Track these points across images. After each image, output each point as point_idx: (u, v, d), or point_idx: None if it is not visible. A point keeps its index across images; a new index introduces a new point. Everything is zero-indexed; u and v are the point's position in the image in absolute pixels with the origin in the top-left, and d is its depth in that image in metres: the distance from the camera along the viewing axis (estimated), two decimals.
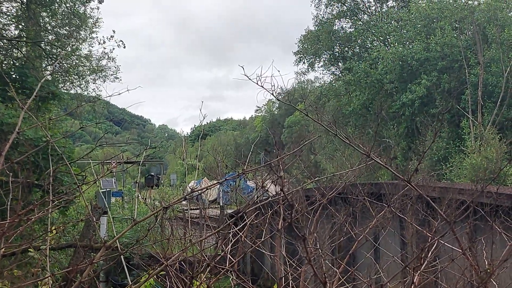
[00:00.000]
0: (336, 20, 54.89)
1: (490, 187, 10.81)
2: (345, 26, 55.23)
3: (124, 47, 34.44)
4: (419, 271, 4.36)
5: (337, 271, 6.44)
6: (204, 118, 6.40)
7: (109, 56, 35.62)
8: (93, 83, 36.20)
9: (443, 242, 4.88)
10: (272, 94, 4.20)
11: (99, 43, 34.42)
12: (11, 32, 29.50)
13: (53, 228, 8.90)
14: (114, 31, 34.95)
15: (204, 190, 4.67)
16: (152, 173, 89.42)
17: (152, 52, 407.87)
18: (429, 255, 4.74)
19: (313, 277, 9.30)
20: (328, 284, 4.46)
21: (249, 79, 4.06)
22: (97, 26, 35.14)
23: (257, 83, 4.04)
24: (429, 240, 4.80)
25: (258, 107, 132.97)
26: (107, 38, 33.85)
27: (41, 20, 29.89)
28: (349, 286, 6.79)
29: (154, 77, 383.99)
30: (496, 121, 37.43)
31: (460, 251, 4.02)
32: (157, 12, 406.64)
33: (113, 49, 34.88)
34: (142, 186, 57.49)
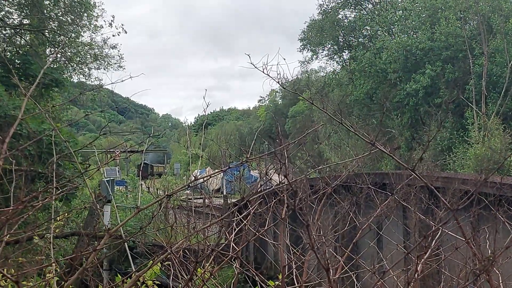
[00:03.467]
0: (340, 10, 54.67)
1: (494, 177, 10.80)
2: (349, 16, 55.04)
3: (126, 32, 34.37)
4: (422, 260, 4.36)
5: (341, 258, 6.44)
6: (207, 107, 6.37)
7: (108, 42, 35.54)
8: (97, 69, 36.16)
9: (446, 231, 4.88)
10: (278, 82, 4.19)
11: (98, 30, 34.37)
12: (15, 20, 29.50)
13: (59, 216, 8.91)
14: (113, 16, 34.65)
15: (207, 178, 4.67)
16: (147, 162, 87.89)
17: (156, 42, 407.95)
18: (432, 244, 4.74)
19: (317, 265, 9.31)
20: (331, 271, 4.46)
21: (255, 67, 4.05)
22: (100, 15, 35.06)
23: (263, 72, 4.04)
24: (432, 229, 4.79)
25: (261, 97, 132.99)
26: (108, 24, 33.78)
27: (44, 8, 29.86)
28: (352, 274, 6.80)
29: (159, 67, 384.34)
30: (500, 112, 37.35)
31: (464, 239, 4.02)
32: (160, 1, 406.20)
33: (113, 35, 34.80)
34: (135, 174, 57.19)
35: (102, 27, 34.36)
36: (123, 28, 34.21)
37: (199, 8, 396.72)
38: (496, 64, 38.79)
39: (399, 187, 10.02)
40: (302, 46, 56.31)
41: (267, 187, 7.54)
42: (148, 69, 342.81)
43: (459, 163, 34.89)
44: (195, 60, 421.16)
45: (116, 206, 23.27)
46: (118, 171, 42.72)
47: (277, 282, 7.30)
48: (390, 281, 6.11)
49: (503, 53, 38.38)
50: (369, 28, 51.68)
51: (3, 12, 28.92)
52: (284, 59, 4.13)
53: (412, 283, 4.16)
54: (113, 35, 34.81)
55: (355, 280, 6.92)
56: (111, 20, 33.77)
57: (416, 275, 4.25)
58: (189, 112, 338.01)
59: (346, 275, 6.82)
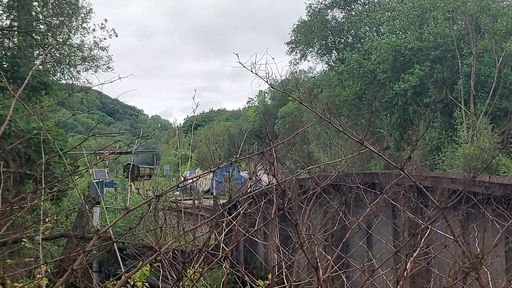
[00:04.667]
0: (329, 10, 54.79)
1: (483, 176, 10.85)
2: (338, 16, 55.15)
3: (116, 36, 34.33)
4: (412, 258, 4.37)
5: (330, 258, 6.45)
6: (197, 107, 6.36)
7: (99, 45, 35.36)
8: (85, 71, 35.96)
9: (435, 230, 4.90)
10: (267, 81, 4.18)
11: (89, 33, 34.25)
12: (3, 22, 29.37)
13: (47, 218, 8.87)
14: (106, 20, 34.57)
15: (196, 178, 4.66)
16: (133, 163, 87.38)
17: (147, 43, 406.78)
18: (421, 242, 4.76)
19: (307, 265, 9.32)
20: (320, 270, 4.46)
21: (244, 66, 4.04)
22: (89, 17, 34.91)
23: (251, 71, 4.03)
24: (421, 227, 4.81)
25: (249, 98, 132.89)
26: (99, 27, 33.69)
27: (32, 10, 29.72)
28: (342, 273, 6.81)
29: (149, 68, 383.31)
30: (489, 111, 37.50)
31: (452, 238, 4.03)
32: (151, 0, 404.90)
33: (105, 38, 34.68)
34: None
35: (94, 30, 34.24)
36: (114, 32, 34.15)
37: (194, 8, 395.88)
38: (485, 64, 38.95)
39: (388, 186, 10.05)
40: (291, 50, 56.49)
41: (257, 188, 7.55)
42: (139, 69, 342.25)
43: (448, 163, 34.99)
44: (187, 60, 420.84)
45: (106, 207, 23.22)
46: (107, 172, 42.61)
47: (266, 282, 7.30)
48: (380, 280, 6.12)
49: (491, 53, 38.56)
50: (357, 28, 51.78)
51: None
52: (273, 58, 4.12)
53: (401, 282, 4.18)
54: (104, 38, 34.72)
55: (345, 279, 6.93)
56: (103, 25, 33.68)
57: (405, 273, 4.26)
58: (179, 113, 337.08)
59: (335, 274, 6.83)
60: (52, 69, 32.56)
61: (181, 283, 4.38)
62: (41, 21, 31.00)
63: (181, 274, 4.15)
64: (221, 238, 5.74)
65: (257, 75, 4.04)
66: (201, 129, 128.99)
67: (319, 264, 4.57)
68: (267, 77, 4.12)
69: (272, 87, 4.63)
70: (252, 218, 7.30)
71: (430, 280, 6.77)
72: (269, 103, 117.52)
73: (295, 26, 55.97)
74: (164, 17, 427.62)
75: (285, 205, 3.90)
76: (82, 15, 34.27)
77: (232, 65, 4.40)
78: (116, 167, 73.08)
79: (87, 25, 34.84)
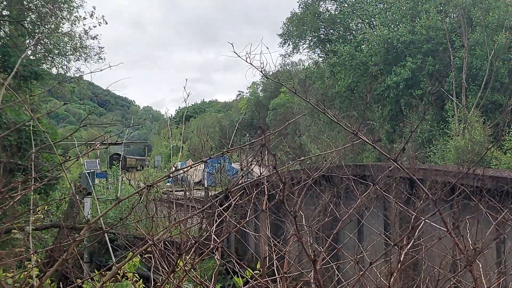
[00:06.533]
0: (322, 2, 54.64)
1: (476, 169, 10.88)
2: (330, 8, 54.99)
3: (106, 23, 34.10)
4: (406, 250, 4.37)
5: (322, 250, 6.44)
6: (188, 96, 6.32)
7: (89, 33, 35.13)
8: (76, 60, 35.71)
9: (429, 222, 4.89)
10: (261, 71, 4.17)
11: (78, 20, 34.01)
12: None
13: (38, 208, 8.83)
14: (94, 7, 34.39)
15: (188, 168, 4.64)
16: (119, 152, 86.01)
17: (139, 34, 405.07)
18: (416, 234, 4.76)
19: (298, 256, 9.32)
20: (317, 262, 4.45)
21: (239, 56, 4.03)
22: (80, 5, 34.67)
23: (246, 61, 4.01)
24: (412, 220, 4.81)
25: (239, 91, 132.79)
26: (88, 15, 33.48)
27: None
28: (334, 265, 6.81)
29: (141, 59, 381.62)
30: (480, 104, 37.62)
31: (445, 230, 4.03)
32: None
33: (94, 26, 34.46)
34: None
35: (85, 18, 34.03)
36: (103, 19, 33.95)
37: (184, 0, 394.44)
38: (476, 57, 39.03)
39: (379, 178, 10.07)
40: (283, 42, 56.30)
41: (248, 179, 7.53)
42: (131, 60, 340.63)
43: (439, 155, 35.10)
44: (179, 52, 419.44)
45: (97, 198, 23.19)
46: (99, 163, 42.50)
47: (255, 272, 7.28)
48: (370, 271, 6.12)
49: (483, 46, 38.63)
50: (350, 21, 51.71)
51: None
52: (267, 47, 4.11)
53: (395, 274, 4.17)
54: (94, 26, 34.49)
55: (336, 270, 6.93)
56: (92, 12, 33.51)
57: (399, 265, 4.25)
58: (171, 104, 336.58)
59: (327, 266, 6.82)
60: (43, 59, 32.37)
61: (174, 274, 4.36)
62: (32, 10, 30.77)
63: (175, 265, 4.13)
64: (213, 229, 5.72)
65: (252, 65, 4.03)
66: (193, 120, 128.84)
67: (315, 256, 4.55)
68: (262, 67, 4.11)
69: (266, 77, 4.61)
70: (244, 210, 7.29)
71: (421, 272, 6.78)
72: (260, 95, 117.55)
73: (287, 18, 55.79)
74: (157, 8, 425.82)
75: (284, 195, 3.88)
76: (74, 4, 34.06)
77: (226, 55, 4.40)
78: (107, 157, 72.88)
79: (78, 13, 34.65)
